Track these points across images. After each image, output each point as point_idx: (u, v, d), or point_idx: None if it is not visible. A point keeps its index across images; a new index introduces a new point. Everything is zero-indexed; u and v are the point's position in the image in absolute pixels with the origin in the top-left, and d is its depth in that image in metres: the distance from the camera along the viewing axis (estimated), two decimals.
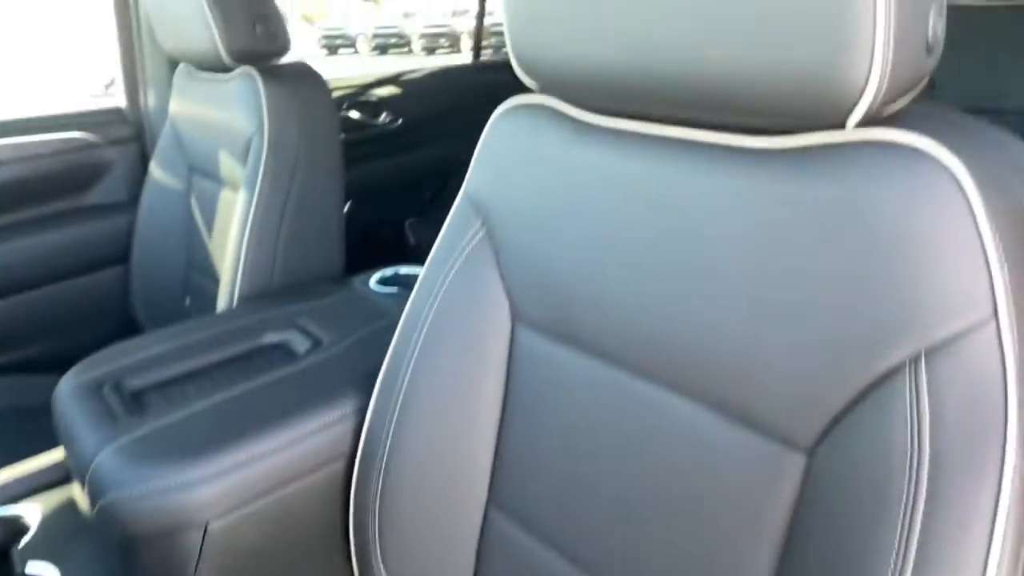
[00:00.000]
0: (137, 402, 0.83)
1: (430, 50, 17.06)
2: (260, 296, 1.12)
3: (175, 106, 1.41)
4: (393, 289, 1.11)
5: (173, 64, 1.48)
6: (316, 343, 0.93)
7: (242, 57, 1.15)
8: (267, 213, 1.11)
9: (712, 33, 0.44)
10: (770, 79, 0.43)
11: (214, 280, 1.35)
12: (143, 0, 1.45)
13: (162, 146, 1.45)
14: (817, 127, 0.45)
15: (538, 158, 0.63)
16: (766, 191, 0.47)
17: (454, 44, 17.07)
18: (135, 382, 0.87)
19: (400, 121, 1.99)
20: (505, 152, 0.66)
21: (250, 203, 1.11)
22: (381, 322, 0.96)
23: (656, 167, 0.54)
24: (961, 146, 0.41)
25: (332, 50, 17.62)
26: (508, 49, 0.61)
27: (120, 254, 1.53)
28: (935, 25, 0.42)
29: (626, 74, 0.51)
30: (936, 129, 0.43)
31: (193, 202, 1.41)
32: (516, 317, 0.66)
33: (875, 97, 0.40)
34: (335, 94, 1.23)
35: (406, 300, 1.07)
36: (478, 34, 2.36)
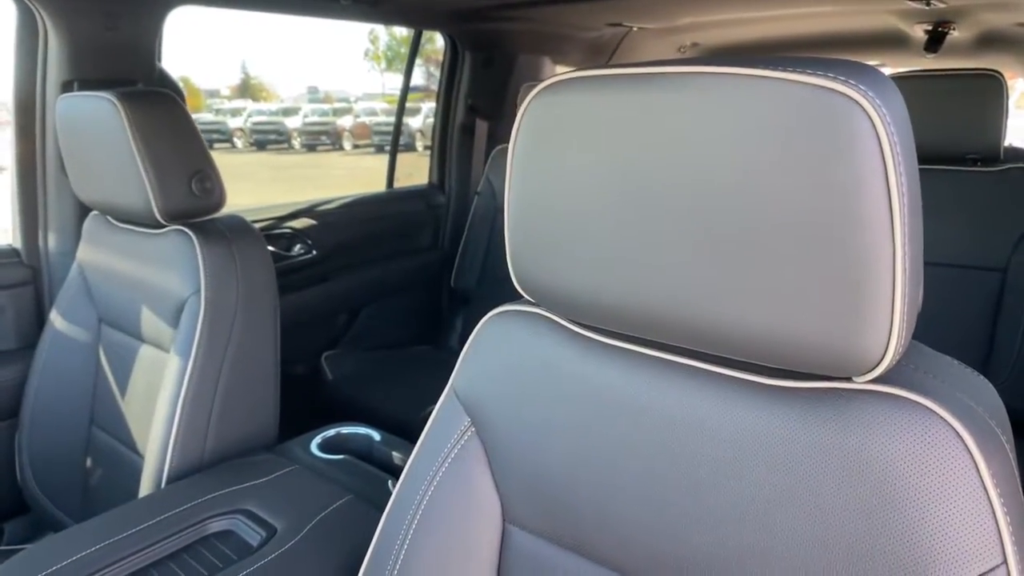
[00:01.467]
0: None
1: (310, 147, 17.06)
2: (194, 470, 1.05)
3: (85, 254, 1.33)
4: (339, 456, 1.08)
5: (83, 208, 1.41)
6: (270, 532, 0.88)
7: (176, 216, 1.12)
8: (202, 379, 1.06)
9: (731, 290, 0.47)
10: (788, 337, 0.47)
11: (123, 441, 1.25)
12: (55, 141, 1.39)
13: (66, 295, 1.35)
14: (827, 378, 0.50)
15: (530, 366, 0.64)
16: (778, 426, 0.51)
17: (336, 141, 17.22)
18: None
19: (314, 252, 1.97)
20: (495, 355, 0.67)
21: (184, 370, 1.05)
22: (338, 502, 0.92)
23: (662, 389, 0.55)
24: (954, 400, 0.48)
25: (208, 144, 17.19)
26: (510, 266, 0.62)
27: (6, 409, 1.38)
28: (919, 292, 0.49)
29: (630, 309, 0.53)
30: (930, 383, 0.48)
31: (102, 355, 1.31)
32: (508, 518, 0.67)
33: (891, 361, 0.46)
34: None
35: (356, 470, 1.05)
36: (392, 165, 2.42)
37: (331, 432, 1.14)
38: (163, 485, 1.03)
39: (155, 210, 1.10)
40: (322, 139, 17.57)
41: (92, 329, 1.33)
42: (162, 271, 1.13)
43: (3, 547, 1.36)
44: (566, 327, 0.63)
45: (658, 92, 0.48)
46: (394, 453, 1.10)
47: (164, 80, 1.51)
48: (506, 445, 0.66)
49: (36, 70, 1.40)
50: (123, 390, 1.26)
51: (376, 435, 1.16)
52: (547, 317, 0.65)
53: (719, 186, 0.46)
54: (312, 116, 18.03)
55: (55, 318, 1.35)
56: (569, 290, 0.57)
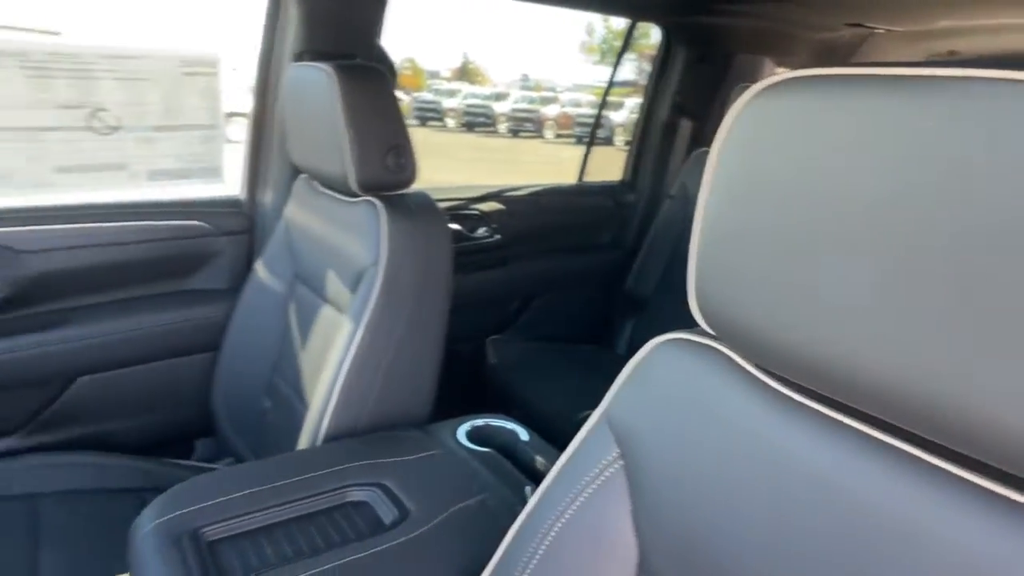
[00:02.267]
0: (214, 558, 0.80)
1: (514, 132, 17.63)
2: (347, 435, 1.08)
3: (291, 212, 1.44)
4: (484, 449, 1.06)
5: (296, 170, 1.53)
6: (403, 513, 0.88)
7: (369, 187, 1.16)
8: (370, 349, 1.10)
9: (999, 369, 0.35)
10: None
11: (296, 391, 1.34)
12: (283, 107, 1.51)
13: (271, 247, 1.47)
14: None
15: (699, 406, 0.55)
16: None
17: (538, 129, 17.64)
18: (213, 531, 0.84)
19: (498, 236, 1.99)
20: (659, 386, 0.59)
21: (354, 335, 1.09)
22: (472, 499, 0.90)
23: (867, 472, 0.44)
24: None
25: (422, 121, 18.44)
26: (689, 287, 0.54)
27: (211, 342, 1.54)
28: None
29: (843, 366, 0.43)
30: None
31: (292, 309, 1.41)
32: (644, 568, 0.60)
33: None
34: (440, 206, 1.23)
35: (497, 467, 1.03)
36: (585, 157, 2.38)
37: (480, 422, 1.13)
38: (319, 442, 1.08)
39: (350, 179, 1.15)
40: (526, 126, 18.06)
41: (287, 282, 1.43)
42: (349, 238, 1.18)
43: (193, 461, 1.52)
44: (748, 370, 0.53)
45: (919, 100, 0.37)
46: (538, 457, 1.06)
47: (381, 57, 1.58)
48: (656, 488, 0.58)
49: (275, 40, 1.53)
50: (303, 344, 1.35)
51: (524, 433, 1.13)
52: (726, 354, 0.55)
53: (999, 226, 0.34)
54: (520, 103, 18.58)
55: (259, 267, 1.48)
56: (761, 329, 0.47)
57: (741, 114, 0.47)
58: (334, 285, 1.23)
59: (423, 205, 1.20)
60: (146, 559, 0.79)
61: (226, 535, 0.83)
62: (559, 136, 16.43)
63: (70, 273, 1.44)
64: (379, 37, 1.59)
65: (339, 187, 1.22)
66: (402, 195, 1.21)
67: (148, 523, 0.83)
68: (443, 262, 1.18)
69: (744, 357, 0.54)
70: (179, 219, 1.54)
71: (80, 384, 1.46)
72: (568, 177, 2.39)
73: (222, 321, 1.56)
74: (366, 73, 1.18)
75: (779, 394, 0.51)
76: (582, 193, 2.32)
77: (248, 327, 1.48)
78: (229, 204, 1.62)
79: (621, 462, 0.61)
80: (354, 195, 1.20)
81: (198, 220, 1.57)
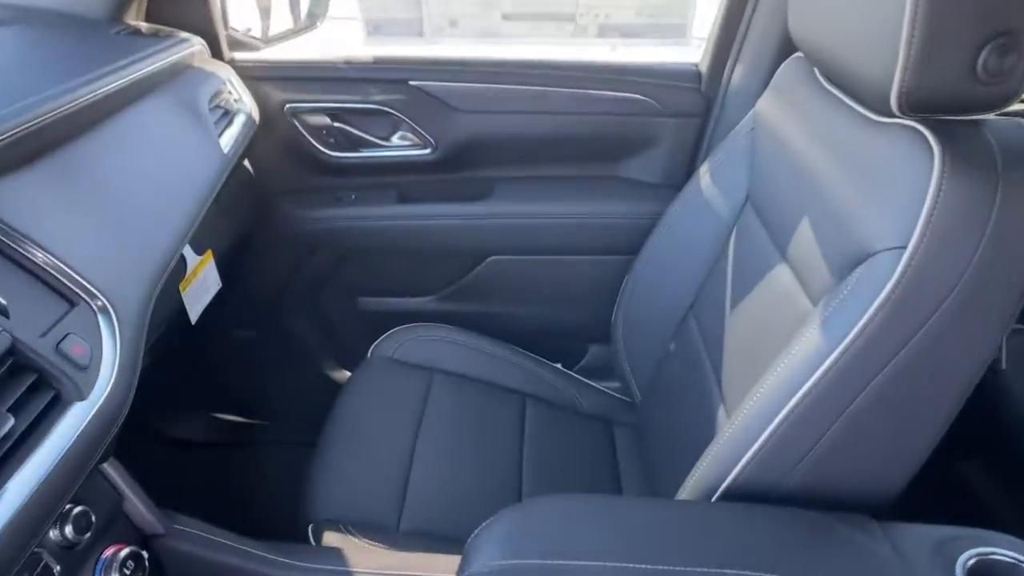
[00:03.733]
0: None
1: None
2: (762, 492, 0.71)
3: (767, 107, 1.00)
4: None
5: (784, 50, 1.06)
6: None
7: (922, 107, 0.66)
8: (845, 377, 0.67)
9: None
10: None
11: (708, 350, 1.00)
12: None
13: (727, 147, 1.07)
14: None
15: None
16: None
17: None
18: None
19: None
20: None
21: (825, 351, 0.67)
22: None
23: None
24: None
25: None
26: None
27: (630, 245, 1.27)
28: None
29: None
30: None
31: (732, 238, 1.03)
32: None
33: None
34: None
35: None
36: None
37: (987, 551, 0.64)
38: (725, 478, 0.73)
39: (893, 90, 0.65)
40: None
41: (735, 202, 1.04)
42: (858, 188, 0.72)
43: (572, 374, 1.34)
44: None
45: None
46: None
47: None
48: None
49: None
50: (735, 296, 0.97)
51: None
52: None
53: None
54: None
55: (705, 170, 1.10)
56: None
57: None
58: (805, 247, 0.80)
59: (1017, 145, 0.66)
60: None
61: None
62: None
63: (501, 140, 1.28)
64: None
65: (864, 92, 0.74)
66: (976, 125, 0.68)
67: (476, 566, 0.62)
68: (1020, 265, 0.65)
69: None
70: (623, 90, 1.24)
71: (489, 263, 1.36)
72: None
73: (647, 224, 1.26)
74: None
75: None
76: None
77: (674, 242, 1.16)
78: (685, 77, 1.25)
79: None
80: (886, 113, 0.70)
81: (644, 94, 1.24)
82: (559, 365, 1.33)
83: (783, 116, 0.93)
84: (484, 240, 1.33)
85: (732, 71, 1.18)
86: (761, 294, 0.90)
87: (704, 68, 1.23)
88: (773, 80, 1.01)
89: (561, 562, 0.63)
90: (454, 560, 0.87)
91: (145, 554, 0.78)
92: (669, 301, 1.14)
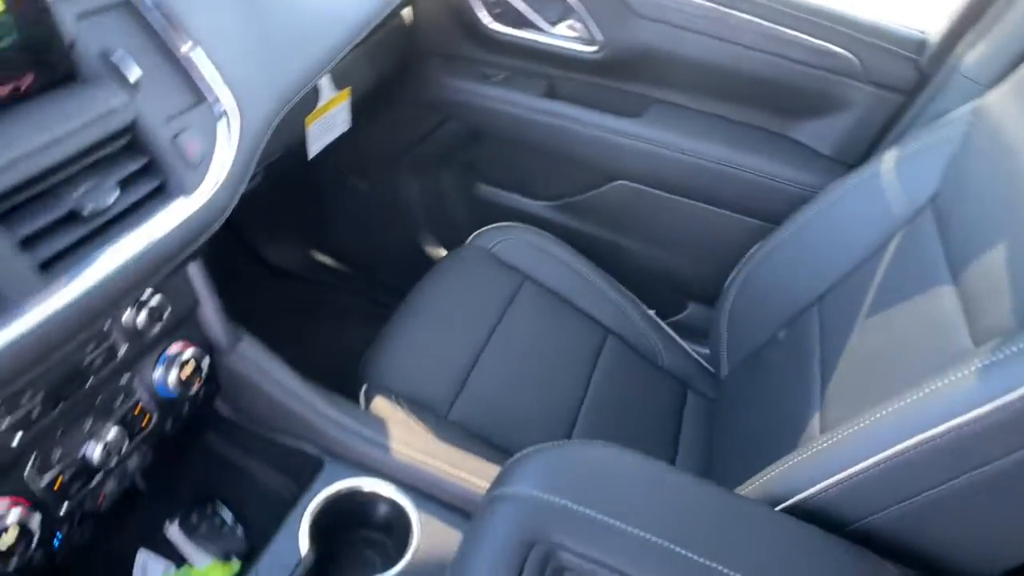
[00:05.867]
0: None
1: None
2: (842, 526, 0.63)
3: (998, 103, 0.84)
4: None
5: None
6: None
7: None
8: (1020, 421, 0.57)
9: None
10: None
11: (826, 355, 0.90)
12: None
13: (923, 143, 0.92)
14: None
15: None
16: None
17: None
18: (571, 559, 0.55)
19: None
20: None
21: (1004, 390, 0.56)
22: None
23: None
24: None
25: None
26: None
27: (773, 212, 1.15)
28: None
29: None
30: None
31: (892, 247, 0.90)
32: None
33: None
34: None
35: None
36: None
37: None
38: (798, 496, 0.65)
39: None
40: None
41: (914, 202, 0.90)
42: None
43: (664, 328, 1.26)
44: None
45: None
46: None
47: None
48: None
49: None
50: (875, 304, 0.86)
51: None
52: None
53: None
54: None
55: (892, 155, 0.95)
56: None
57: None
58: (992, 289, 0.67)
59: None
60: (482, 539, 0.55)
61: None
62: None
63: (674, 59, 1.15)
64: None
65: None
66: None
67: (510, 489, 0.59)
68: None
69: None
70: (828, 39, 1.08)
71: (617, 187, 1.27)
72: None
73: (799, 195, 1.14)
74: None
75: None
76: None
77: (826, 224, 1.02)
78: (905, 44, 1.07)
79: None
80: None
81: (850, 50, 1.08)
82: (653, 312, 1.25)
83: (1020, 119, 0.77)
84: (620, 160, 1.24)
85: (968, 49, 0.99)
86: (911, 313, 0.78)
87: (934, 39, 1.04)
88: (1019, 73, 0.84)
89: (601, 516, 0.59)
90: (488, 468, 0.85)
91: (206, 363, 0.80)
92: (797, 284, 1.03)
